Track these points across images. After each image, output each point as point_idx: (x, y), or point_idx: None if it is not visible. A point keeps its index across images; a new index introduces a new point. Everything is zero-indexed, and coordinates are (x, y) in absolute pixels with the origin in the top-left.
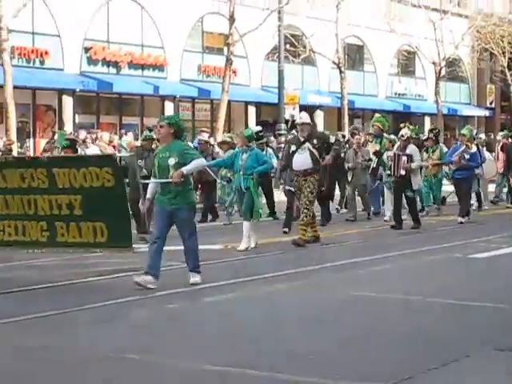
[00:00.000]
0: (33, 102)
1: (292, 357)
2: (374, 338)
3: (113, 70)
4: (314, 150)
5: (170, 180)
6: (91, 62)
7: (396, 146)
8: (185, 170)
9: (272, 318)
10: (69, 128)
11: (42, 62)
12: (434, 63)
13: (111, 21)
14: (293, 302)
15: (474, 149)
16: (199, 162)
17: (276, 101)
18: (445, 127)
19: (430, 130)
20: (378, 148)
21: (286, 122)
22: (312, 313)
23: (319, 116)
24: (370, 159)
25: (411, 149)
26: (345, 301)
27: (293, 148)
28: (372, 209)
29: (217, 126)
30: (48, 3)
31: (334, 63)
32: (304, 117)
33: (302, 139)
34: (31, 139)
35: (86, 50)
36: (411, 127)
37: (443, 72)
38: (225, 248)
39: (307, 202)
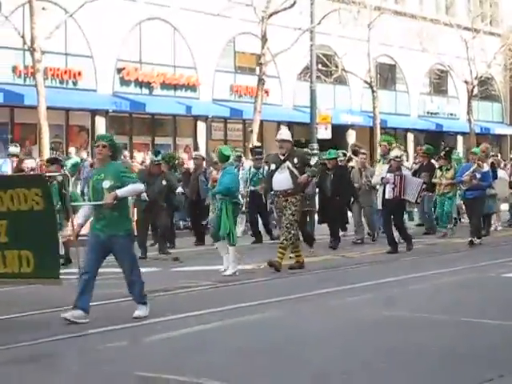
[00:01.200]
0: (66, 123)
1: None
2: (410, 357)
3: (145, 91)
4: (295, 170)
5: (102, 202)
6: (124, 82)
7: (386, 168)
8: (119, 192)
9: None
10: None
11: (74, 83)
12: (466, 82)
13: (143, 41)
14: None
15: (485, 168)
16: (136, 187)
17: (308, 120)
18: (477, 146)
19: (443, 149)
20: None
21: (319, 141)
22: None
23: (351, 135)
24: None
25: (407, 172)
26: (378, 321)
27: (272, 167)
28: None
29: (249, 146)
30: (81, 24)
31: (366, 82)
32: (284, 133)
33: (282, 157)
34: None
35: (119, 70)
36: (402, 147)
37: (475, 91)
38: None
39: (288, 225)
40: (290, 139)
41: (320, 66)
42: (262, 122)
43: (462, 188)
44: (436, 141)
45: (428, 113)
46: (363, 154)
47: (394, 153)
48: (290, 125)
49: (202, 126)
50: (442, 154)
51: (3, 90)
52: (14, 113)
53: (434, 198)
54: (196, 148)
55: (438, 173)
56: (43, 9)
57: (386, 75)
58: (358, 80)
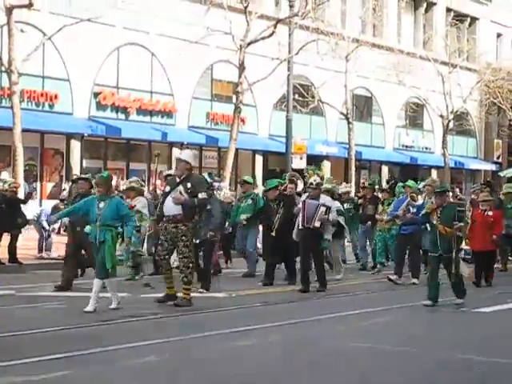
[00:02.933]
0: (41, 146)
1: None
2: None
3: (121, 116)
4: (186, 195)
5: None
6: (100, 106)
7: (305, 195)
8: None
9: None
10: (76, 172)
11: (51, 106)
12: (441, 116)
13: (121, 66)
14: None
15: (420, 201)
16: None
17: (284, 150)
18: (451, 180)
19: (387, 181)
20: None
21: (294, 171)
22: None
23: (326, 166)
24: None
25: (326, 199)
26: (344, 352)
27: (167, 189)
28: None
29: (224, 173)
30: (58, 47)
31: (342, 114)
32: (184, 153)
33: (178, 180)
34: (38, 182)
35: (96, 94)
36: (320, 172)
37: (451, 125)
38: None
39: (185, 260)
40: (188, 160)
41: (297, 96)
42: (237, 150)
43: (397, 223)
44: (411, 174)
45: (403, 146)
46: (291, 182)
47: (312, 179)
48: (265, 154)
49: (177, 153)
50: (385, 187)
51: None
52: None
53: (374, 232)
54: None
55: (380, 207)
56: (21, 31)
57: (363, 107)
58: (335, 111)
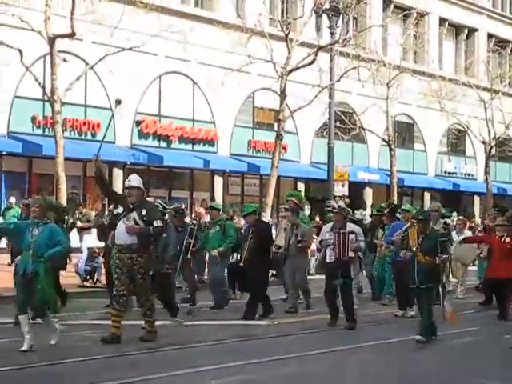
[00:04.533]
0: (83, 174)
1: None
2: None
3: (163, 144)
4: (141, 222)
5: None
6: (142, 135)
7: (330, 225)
8: None
9: None
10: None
11: (93, 135)
12: (484, 142)
13: (163, 95)
14: None
15: None
16: None
17: (325, 177)
18: (494, 207)
19: (387, 205)
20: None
21: (335, 198)
22: None
23: (368, 193)
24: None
25: (351, 226)
26: None
27: (119, 210)
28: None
29: (266, 201)
30: (101, 76)
31: (384, 140)
32: (133, 179)
33: (131, 206)
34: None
35: (138, 123)
36: (347, 200)
37: (493, 151)
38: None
39: (144, 293)
40: (141, 186)
41: (338, 123)
42: (279, 177)
43: (393, 249)
44: (453, 201)
45: (445, 172)
46: (292, 209)
47: (339, 203)
48: (307, 181)
49: (219, 181)
50: (385, 211)
51: (22, 140)
52: (32, 163)
53: (372, 259)
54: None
55: (380, 232)
56: (64, 60)
57: (404, 134)
58: (376, 138)
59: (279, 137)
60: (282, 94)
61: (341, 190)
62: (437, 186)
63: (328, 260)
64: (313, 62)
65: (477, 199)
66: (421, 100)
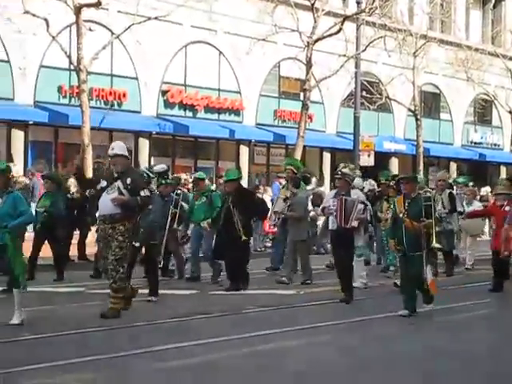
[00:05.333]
0: (109, 144)
1: None
2: None
3: (189, 114)
4: (125, 192)
5: None
6: (168, 105)
7: (333, 193)
8: None
9: None
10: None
11: (119, 104)
12: (510, 112)
13: (189, 64)
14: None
15: None
16: None
17: (351, 147)
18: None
19: (392, 177)
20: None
21: (361, 168)
22: None
23: (394, 163)
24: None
25: (360, 195)
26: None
27: (103, 184)
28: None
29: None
30: (127, 46)
31: (410, 110)
32: (116, 147)
33: (116, 175)
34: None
35: (163, 92)
36: (351, 166)
37: None
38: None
39: (115, 262)
40: (125, 154)
41: (364, 92)
42: (304, 147)
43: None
44: (479, 171)
45: (471, 142)
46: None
47: (344, 170)
48: (333, 151)
49: (244, 150)
50: (391, 183)
51: (48, 109)
52: (58, 132)
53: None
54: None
55: (385, 205)
56: (90, 30)
57: (430, 103)
58: (402, 108)
59: (305, 106)
60: (308, 64)
61: (366, 159)
62: (463, 156)
63: (330, 227)
64: (339, 31)
65: (503, 169)
66: (447, 69)
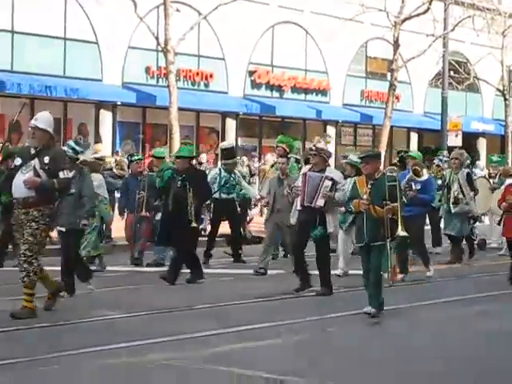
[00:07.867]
0: (196, 124)
1: None
2: None
3: (276, 94)
4: (42, 172)
5: None
6: (255, 85)
7: (307, 167)
8: None
9: None
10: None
11: (206, 85)
12: None
13: (275, 45)
14: None
15: (425, 176)
16: None
17: (439, 127)
18: None
19: (397, 152)
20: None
21: (449, 148)
22: None
23: (482, 144)
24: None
25: (334, 172)
26: None
27: (17, 162)
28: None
29: (379, 151)
30: (214, 27)
31: (499, 90)
32: (40, 118)
33: (33, 151)
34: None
35: (250, 73)
36: (328, 139)
37: None
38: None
39: (27, 253)
40: (48, 129)
41: (452, 72)
42: (391, 127)
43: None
44: None
45: None
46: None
47: (318, 144)
48: (420, 131)
49: (331, 131)
50: (395, 161)
51: (136, 90)
52: (146, 113)
53: None
54: None
55: None
56: (177, 10)
57: None
58: (491, 87)
59: (392, 87)
60: (395, 44)
61: (454, 140)
62: None
63: (297, 208)
64: (427, 10)
65: None
66: None
